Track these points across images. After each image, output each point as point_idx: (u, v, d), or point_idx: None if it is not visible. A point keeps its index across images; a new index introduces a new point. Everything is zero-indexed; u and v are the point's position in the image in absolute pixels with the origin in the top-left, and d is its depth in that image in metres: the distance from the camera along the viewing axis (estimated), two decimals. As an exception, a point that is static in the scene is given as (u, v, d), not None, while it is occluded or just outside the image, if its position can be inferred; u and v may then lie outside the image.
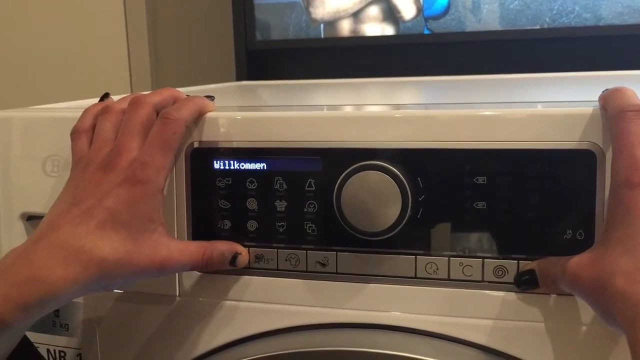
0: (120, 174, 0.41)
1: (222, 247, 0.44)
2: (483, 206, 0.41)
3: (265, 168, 0.45)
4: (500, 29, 0.98)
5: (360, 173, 0.41)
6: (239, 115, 0.46)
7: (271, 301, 0.45)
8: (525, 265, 0.40)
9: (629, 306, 0.32)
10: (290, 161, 0.44)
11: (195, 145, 0.46)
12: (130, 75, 1.27)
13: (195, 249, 0.43)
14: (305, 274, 0.44)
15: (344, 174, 0.42)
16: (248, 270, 0.46)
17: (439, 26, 1.00)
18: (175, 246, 0.42)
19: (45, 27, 1.28)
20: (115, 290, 0.49)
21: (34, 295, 0.37)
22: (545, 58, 0.98)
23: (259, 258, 0.45)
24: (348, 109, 0.49)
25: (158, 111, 0.44)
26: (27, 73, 1.30)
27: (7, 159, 0.51)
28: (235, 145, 0.45)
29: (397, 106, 0.49)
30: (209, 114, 0.46)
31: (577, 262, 0.36)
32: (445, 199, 0.42)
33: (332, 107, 0.50)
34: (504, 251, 0.41)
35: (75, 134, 0.46)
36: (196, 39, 1.23)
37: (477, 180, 0.41)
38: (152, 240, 0.41)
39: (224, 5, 1.15)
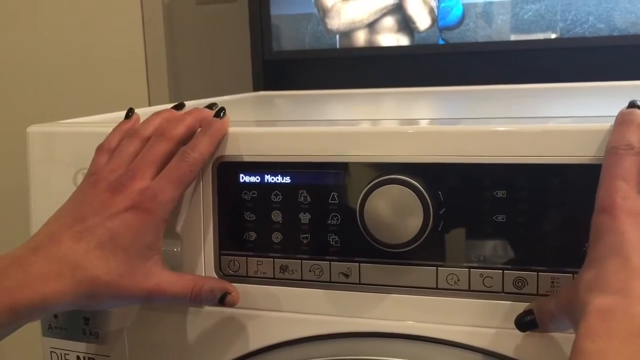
0: (129, 199, 0.42)
1: (213, 284, 0.45)
2: (502, 219, 0.42)
3: (289, 181, 0.46)
4: (514, 38, 0.99)
5: (383, 187, 0.43)
6: (263, 130, 0.48)
7: (295, 310, 0.47)
8: (526, 307, 0.41)
9: (580, 310, 0.33)
10: (314, 175, 0.45)
11: (222, 159, 0.47)
12: (148, 87, 1.28)
13: (185, 282, 0.44)
14: (328, 284, 0.46)
15: (366, 188, 0.43)
16: (273, 280, 0.47)
17: (453, 36, 1.02)
18: (167, 277, 0.43)
19: (63, 39, 1.29)
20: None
21: (24, 302, 0.39)
22: (559, 68, 0.99)
23: (283, 269, 0.47)
24: (369, 124, 0.50)
25: (184, 142, 0.45)
26: (46, 84, 1.31)
27: (38, 173, 0.53)
28: (260, 159, 0.46)
29: (418, 121, 0.50)
30: (234, 129, 0.48)
31: (562, 288, 0.39)
32: (466, 212, 0.43)
33: (354, 122, 0.52)
34: (524, 263, 0.42)
35: (99, 149, 0.47)
36: (213, 50, 1.25)
37: (496, 193, 0.42)
38: (146, 267, 0.42)
39: (241, 16, 1.17)
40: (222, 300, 0.45)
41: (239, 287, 0.48)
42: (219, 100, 0.88)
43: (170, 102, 1.21)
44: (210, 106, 0.49)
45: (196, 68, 1.27)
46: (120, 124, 0.49)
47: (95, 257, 0.41)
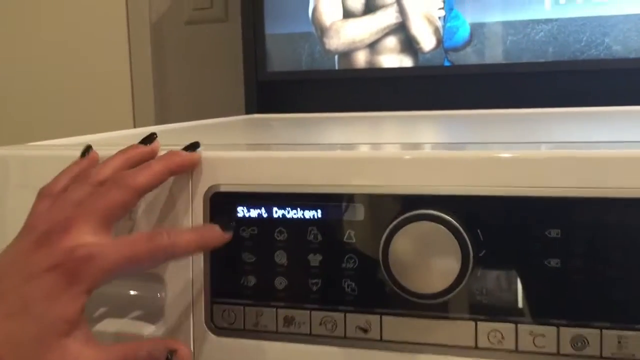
0: (54, 257, 0.34)
1: (150, 347, 0.35)
2: (557, 264, 0.35)
3: (297, 216, 0.38)
4: (525, 61, 0.93)
5: (411, 224, 0.35)
6: (266, 154, 0.40)
7: (303, 372, 0.39)
8: None
9: None
10: (327, 208, 0.38)
11: (216, 188, 0.40)
12: (133, 108, 1.22)
13: (113, 354, 0.35)
14: (343, 340, 0.38)
15: (392, 225, 0.36)
16: (275, 334, 0.39)
17: (460, 58, 0.96)
18: (88, 354, 0.34)
19: (46, 56, 1.24)
20: None
21: None
22: (572, 92, 0.93)
23: (288, 321, 0.39)
24: (393, 148, 0.43)
25: (143, 193, 0.38)
26: (27, 103, 1.26)
27: (3, 199, 0.45)
28: (262, 189, 0.39)
29: (447, 145, 0.43)
30: (229, 154, 0.40)
31: None
32: (511, 255, 0.35)
33: (373, 146, 0.44)
34: (584, 318, 0.35)
35: (41, 194, 0.39)
36: (203, 71, 1.19)
37: (549, 233, 0.35)
38: (60, 344, 0.33)
39: (233, 35, 1.11)
40: None
41: (235, 343, 0.40)
42: (208, 123, 0.81)
43: (156, 124, 1.15)
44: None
45: (185, 89, 1.20)
46: (73, 164, 0.41)
47: (1, 331, 0.32)
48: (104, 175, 0.38)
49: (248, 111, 1.03)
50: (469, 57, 0.95)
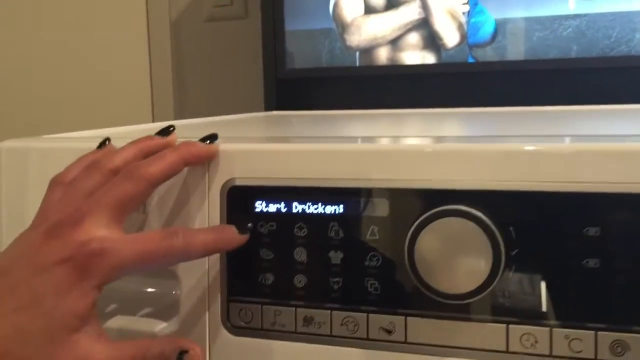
0: (66, 249, 0.32)
1: (162, 346, 0.34)
2: (595, 264, 0.33)
3: (318, 211, 0.37)
4: (552, 57, 0.90)
5: (439, 220, 0.33)
6: (286, 147, 0.38)
7: (323, 375, 0.37)
8: None
9: None
10: (349, 203, 0.36)
11: (233, 182, 0.38)
12: (152, 105, 1.22)
13: (123, 351, 0.33)
14: (365, 342, 0.36)
15: (418, 221, 0.34)
16: (294, 335, 0.37)
17: (485, 54, 0.93)
18: (99, 349, 0.33)
19: (67, 53, 1.25)
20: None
21: None
22: (602, 89, 0.90)
23: (308, 321, 0.37)
24: (420, 140, 0.41)
25: (157, 184, 0.36)
26: (48, 99, 1.26)
27: (23, 192, 0.44)
28: (281, 183, 0.37)
29: (481, 138, 0.41)
30: (248, 146, 0.39)
31: None
32: (546, 255, 0.33)
33: (397, 139, 0.42)
34: (624, 322, 0.32)
35: (53, 182, 0.38)
36: (222, 68, 1.18)
37: (587, 231, 0.33)
38: (71, 340, 0.32)
39: (252, 32, 1.10)
40: None
41: (251, 343, 0.38)
42: (226, 119, 0.80)
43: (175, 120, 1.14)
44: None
45: (204, 87, 1.19)
46: (87, 154, 0.40)
47: (9, 324, 0.31)
48: (116, 164, 0.36)
49: (267, 109, 1.02)
50: (494, 53, 0.93)
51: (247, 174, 0.38)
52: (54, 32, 1.26)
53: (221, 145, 0.39)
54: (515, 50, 0.92)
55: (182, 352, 0.33)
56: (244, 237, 0.36)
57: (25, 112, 1.28)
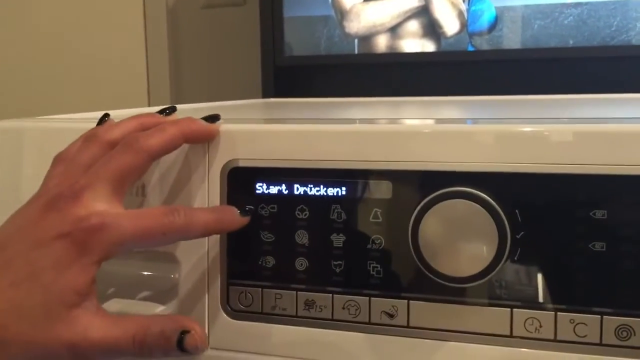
0: (65, 224, 0.32)
1: (163, 324, 0.33)
2: (602, 247, 0.32)
3: (320, 193, 0.36)
4: (553, 46, 0.90)
5: (444, 202, 0.33)
6: (288, 127, 0.38)
7: (324, 359, 0.36)
8: None
9: None
10: (352, 185, 0.36)
11: (234, 163, 0.38)
12: (149, 92, 1.21)
13: (124, 326, 0.33)
14: (367, 326, 0.36)
15: (422, 203, 0.33)
16: (295, 319, 0.37)
17: (484, 43, 0.92)
18: (99, 324, 0.32)
19: (63, 39, 1.23)
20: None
21: None
22: (603, 78, 0.89)
23: (309, 305, 0.37)
24: (424, 122, 0.41)
25: (156, 157, 0.35)
26: (44, 85, 1.25)
27: (18, 173, 0.43)
28: (283, 164, 0.37)
29: (488, 120, 0.40)
30: (249, 127, 0.38)
31: None
32: (552, 237, 0.33)
33: (400, 121, 0.42)
34: (630, 306, 0.32)
35: (57, 158, 0.37)
36: (219, 55, 1.16)
37: (594, 214, 0.32)
38: (70, 315, 0.31)
39: (250, 19, 1.09)
40: (181, 343, 0.33)
41: (251, 326, 0.37)
42: (223, 105, 0.79)
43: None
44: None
45: (201, 74, 1.18)
46: (89, 130, 0.39)
47: (6, 298, 0.31)
48: (114, 136, 0.36)
49: (265, 96, 1.01)
50: (494, 42, 0.92)
51: (248, 155, 0.37)
52: (50, 17, 1.25)
53: (222, 126, 0.38)
54: (515, 39, 0.91)
55: (184, 332, 0.33)
56: (245, 219, 0.36)
57: (20, 98, 1.27)
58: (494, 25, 0.92)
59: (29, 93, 1.26)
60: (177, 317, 0.34)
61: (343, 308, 0.36)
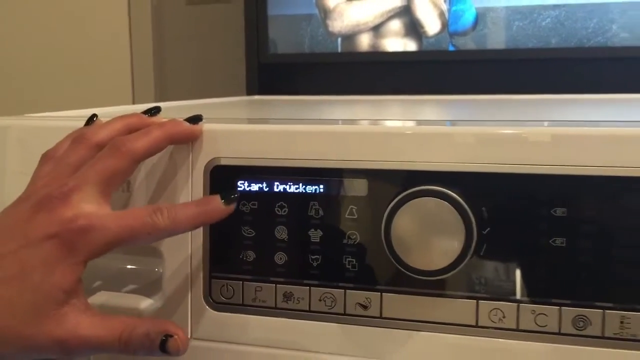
0: (54, 225, 0.33)
1: (148, 327, 0.35)
2: (562, 243, 0.34)
3: (298, 190, 0.38)
4: (531, 47, 0.92)
5: (415, 199, 0.35)
6: (269, 127, 0.39)
7: (301, 348, 0.38)
8: None
9: None
10: (329, 183, 0.37)
11: (216, 161, 0.39)
12: (133, 88, 1.21)
13: (111, 325, 0.34)
14: (342, 317, 0.38)
15: (395, 201, 0.35)
16: (274, 310, 0.39)
17: (465, 43, 0.95)
18: (87, 321, 0.34)
19: (48, 35, 1.23)
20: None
21: None
22: (579, 79, 0.92)
23: (287, 297, 0.38)
24: (400, 123, 0.43)
25: (141, 159, 0.37)
26: (28, 81, 1.25)
27: (1, 171, 0.44)
28: (263, 162, 0.38)
29: (457, 122, 0.42)
30: (231, 126, 0.40)
31: None
32: (516, 233, 0.35)
33: (377, 122, 0.44)
34: (587, 298, 0.34)
35: (44, 157, 0.38)
36: (204, 52, 1.17)
37: (555, 211, 0.34)
38: (59, 313, 0.33)
39: (235, 17, 1.10)
40: (164, 345, 0.34)
41: (233, 318, 0.39)
42: (208, 102, 0.80)
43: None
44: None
45: (185, 71, 1.19)
46: (77, 130, 0.40)
47: None
48: (101, 138, 0.37)
49: (249, 93, 1.02)
50: (474, 42, 0.94)
51: (230, 154, 0.39)
52: (34, 14, 1.25)
53: (205, 125, 0.40)
54: (496, 39, 0.94)
55: (167, 336, 0.34)
56: (230, 208, 0.36)
57: (4, 95, 1.27)
58: (474, 26, 0.94)
59: (13, 91, 1.26)
60: (163, 321, 0.36)
61: (320, 300, 0.38)
